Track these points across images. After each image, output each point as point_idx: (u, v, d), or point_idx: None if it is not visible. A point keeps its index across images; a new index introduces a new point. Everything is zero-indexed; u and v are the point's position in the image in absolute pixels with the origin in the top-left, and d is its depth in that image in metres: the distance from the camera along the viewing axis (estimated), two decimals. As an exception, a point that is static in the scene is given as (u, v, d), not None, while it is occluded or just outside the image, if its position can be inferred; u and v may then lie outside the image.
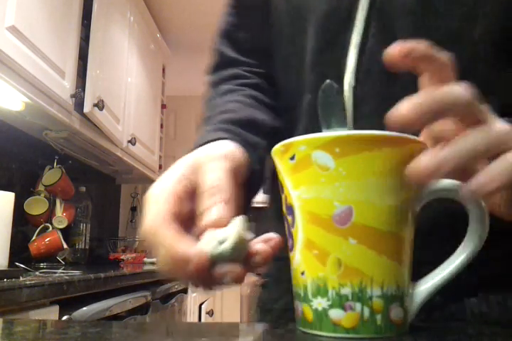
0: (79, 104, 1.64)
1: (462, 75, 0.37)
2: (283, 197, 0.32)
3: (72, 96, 1.58)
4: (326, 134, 0.29)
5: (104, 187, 2.73)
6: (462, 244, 0.31)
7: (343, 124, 0.32)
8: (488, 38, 0.44)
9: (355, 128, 0.43)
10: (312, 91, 0.45)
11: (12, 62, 1.24)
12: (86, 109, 1.65)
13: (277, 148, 0.32)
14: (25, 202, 1.77)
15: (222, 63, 0.57)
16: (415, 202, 0.31)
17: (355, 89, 0.43)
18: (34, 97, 1.38)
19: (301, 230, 0.30)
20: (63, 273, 1.28)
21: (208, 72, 0.59)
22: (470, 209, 0.31)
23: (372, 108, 0.38)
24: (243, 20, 0.58)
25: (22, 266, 1.27)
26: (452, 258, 0.32)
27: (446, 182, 0.32)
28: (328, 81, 0.33)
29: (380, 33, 0.43)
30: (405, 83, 0.44)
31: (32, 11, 1.35)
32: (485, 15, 0.45)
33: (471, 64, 0.45)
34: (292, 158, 0.30)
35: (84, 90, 1.67)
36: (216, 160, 0.35)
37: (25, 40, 1.30)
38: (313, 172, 0.29)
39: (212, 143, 0.39)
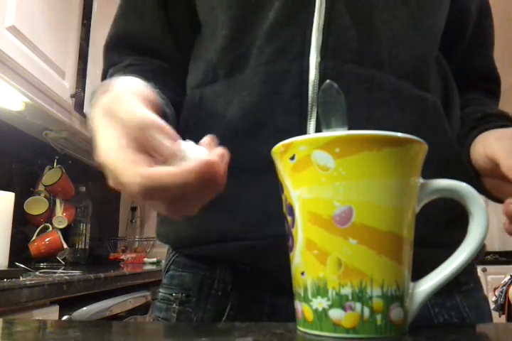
0: (79, 104, 1.64)
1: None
2: (283, 197, 0.32)
3: (72, 96, 1.58)
4: (326, 134, 0.29)
5: (104, 187, 2.71)
6: (462, 243, 0.31)
7: (343, 124, 0.32)
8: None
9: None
10: (270, 61, 0.46)
11: (12, 62, 1.24)
12: (86, 109, 1.65)
13: (277, 148, 0.32)
14: (25, 202, 1.77)
15: (112, 65, 0.56)
16: (415, 202, 0.31)
17: (321, 65, 0.44)
18: (34, 97, 1.38)
19: (301, 230, 0.30)
20: (63, 273, 1.28)
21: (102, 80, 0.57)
22: (470, 209, 0.31)
23: (342, 87, 0.35)
24: (135, 23, 0.58)
25: (22, 266, 1.27)
26: (452, 258, 0.32)
27: (446, 182, 0.32)
28: (328, 81, 0.33)
29: (350, 14, 0.45)
30: (378, 62, 0.45)
31: (32, 11, 1.35)
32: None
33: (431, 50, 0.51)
34: (292, 158, 0.30)
35: (84, 90, 1.67)
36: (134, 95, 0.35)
37: (25, 40, 1.30)
38: (313, 172, 0.29)
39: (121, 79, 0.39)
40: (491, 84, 0.63)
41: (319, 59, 0.44)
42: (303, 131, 0.44)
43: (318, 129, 0.43)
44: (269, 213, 0.44)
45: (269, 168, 0.39)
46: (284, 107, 0.44)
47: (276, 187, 0.41)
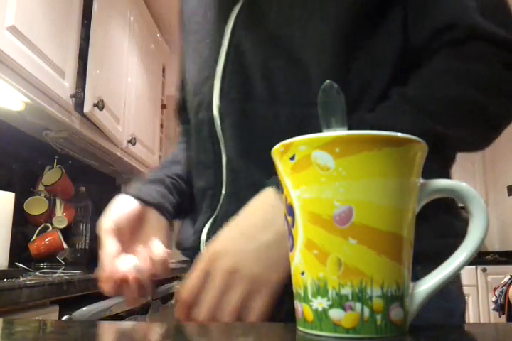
0: (79, 104, 1.64)
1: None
2: (283, 197, 0.32)
3: (72, 96, 1.58)
4: (326, 134, 0.29)
5: (104, 187, 2.72)
6: (462, 244, 0.31)
7: (343, 124, 0.32)
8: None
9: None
10: (195, 114, 0.59)
11: (12, 62, 1.24)
12: (86, 109, 1.65)
13: (277, 148, 0.32)
14: (25, 202, 1.77)
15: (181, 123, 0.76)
16: (415, 202, 0.31)
17: (221, 108, 0.55)
18: (34, 97, 1.38)
19: (301, 230, 0.30)
20: (63, 273, 1.28)
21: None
22: (470, 209, 0.31)
23: (232, 121, 0.53)
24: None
25: (22, 266, 1.27)
26: (452, 258, 0.32)
27: (446, 182, 0.32)
28: (328, 81, 0.33)
29: (233, 74, 0.55)
30: (256, 90, 0.54)
31: (32, 10, 1.35)
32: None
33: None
34: (292, 158, 0.30)
35: (84, 90, 1.67)
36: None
37: (25, 40, 1.30)
38: (313, 172, 0.29)
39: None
40: (456, 33, 0.49)
41: (218, 103, 0.55)
42: (218, 166, 0.55)
43: (228, 165, 0.54)
44: (200, 232, 0.56)
45: (203, 198, 0.57)
46: (203, 148, 0.57)
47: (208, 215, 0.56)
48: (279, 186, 0.40)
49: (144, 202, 0.57)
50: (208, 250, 0.43)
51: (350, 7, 0.51)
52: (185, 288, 0.42)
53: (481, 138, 0.51)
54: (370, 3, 0.51)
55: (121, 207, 0.56)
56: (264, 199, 0.43)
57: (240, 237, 0.41)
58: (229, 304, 0.39)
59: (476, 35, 0.49)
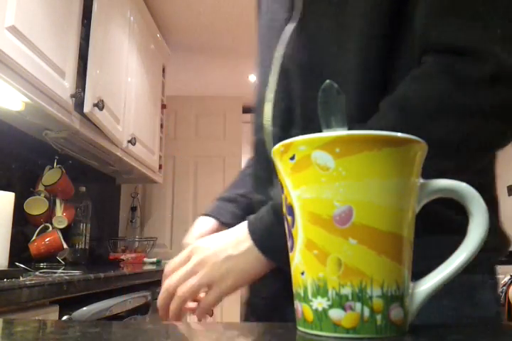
0: (79, 104, 1.64)
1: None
2: (283, 197, 0.32)
3: (72, 96, 1.58)
4: (326, 134, 0.29)
5: (104, 187, 2.72)
6: (462, 244, 0.31)
7: (343, 124, 0.32)
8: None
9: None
10: (254, 133, 0.64)
11: (12, 62, 1.24)
12: (86, 109, 1.65)
13: (277, 148, 0.32)
14: (25, 202, 1.77)
15: None
16: (415, 202, 0.31)
17: (272, 132, 0.59)
18: (34, 97, 1.38)
19: (301, 230, 0.30)
20: (63, 273, 1.28)
21: None
22: (470, 209, 0.31)
23: (278, 130, 0.58)
24: None
25: (22, 266, 1.26)
26: (452, 258, 0.32)
27: (446, 182, 0.32)
28: (328, 81, 0.33)
29: (282, 100, 0.59)
30: (297, 117, 0.57)
31: (32, 11, 1.35)
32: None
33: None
34: (292, 158, 0.30)
35: (84, 90, 1.67)
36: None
37: (25, 40, 1.30)
38: (313, 172, 0.29)
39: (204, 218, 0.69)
40: (422, 52, 0.44)
41: (270, 128, 0.58)
42: (271, 183, 0.59)
43: (277, 184, 0.55)
44: None
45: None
46: (261, 165, 0.62)
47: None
48: (254, 222, 0.51)
49: (219, 221, 0.67)
50: (196, 242, 0.54)
51: (378, 31, 0.49)
52: (169, 265, 0.54)
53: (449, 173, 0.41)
54: (394, 22, 0.49)
55: (202, 226, 0.67)
56: (241, 230, 0.52)
57: (218, 245, 0.52)
58: (188, 283, 0.51)
59: (429, 45, 0.43)
